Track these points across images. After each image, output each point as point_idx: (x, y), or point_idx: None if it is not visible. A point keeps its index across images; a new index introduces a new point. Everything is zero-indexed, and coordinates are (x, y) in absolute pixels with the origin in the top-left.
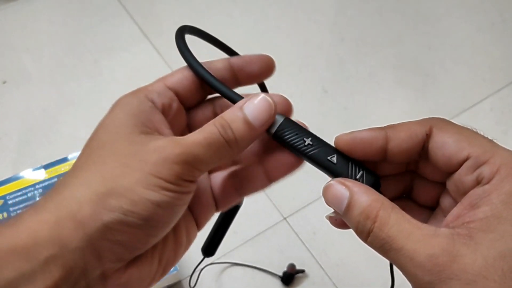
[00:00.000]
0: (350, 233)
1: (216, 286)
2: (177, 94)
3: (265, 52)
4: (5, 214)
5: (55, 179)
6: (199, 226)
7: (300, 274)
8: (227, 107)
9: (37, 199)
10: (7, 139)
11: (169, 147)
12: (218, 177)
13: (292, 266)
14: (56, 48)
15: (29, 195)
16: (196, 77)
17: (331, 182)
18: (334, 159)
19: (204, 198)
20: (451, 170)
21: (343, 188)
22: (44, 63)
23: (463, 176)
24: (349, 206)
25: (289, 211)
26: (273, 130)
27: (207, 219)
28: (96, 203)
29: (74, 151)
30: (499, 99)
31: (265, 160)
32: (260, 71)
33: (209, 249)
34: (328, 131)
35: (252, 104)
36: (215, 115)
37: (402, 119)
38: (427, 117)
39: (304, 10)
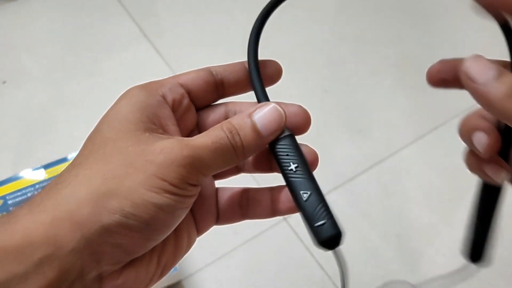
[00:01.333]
0: (350, 233)
1: (216, 286)
2: (189, 92)
3: (265, 51)
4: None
5: None
6: (198, 232)
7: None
8: (240, 111)
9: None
10: (7, 139)
11: (176, 148)
12: (228, 190)
13: None
14: (56, 48)
15: (29, 195)
16: (210, 78)
17: (475, 57)
18: (306, 196)
19: (207, 206)
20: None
21: (488, 62)
22: (44, 62)
23: None
24: (501, 74)
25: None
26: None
27: (207, 227)
28: (96, 204)
29: (74, 151)
30: None
31: (275, 189)
32: (268, 77)
33: (476, 252)
34: (328, 131)
35: (262, 112)
36: (226, 118)
37: (403, 119)
38: (430, 115)
39: (304, 9)
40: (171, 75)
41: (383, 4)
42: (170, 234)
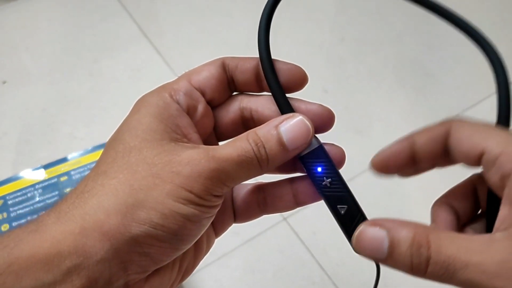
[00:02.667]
0: None
1: (216, 286)
2: (203, 94)
3: None
4: (4, 214)
5: (55, 179)
6: (216, 234)
7: None
8: (256, 110)
9: (37, 199)
10: (7, 139)
11: (204, 161)
12: (242, 189)
13: None
14: (56, 48)
15: (28, 195)
16: (223, 76)
17: (361, 228)
18: (343, 210)
19: (223, 208)
20: (472, 164)
21: (377, 229)
22: (44, 62)
23: (487, 173)
24: (392, 245)
25: (289, 211)
26: (302, 153)
27: (224, 228)
28: (125, 215)
29: (74, 151)
30: None
31: (296, 180)
32: (292, 84)
33: None
34: (329, 131)
35: (289, 124)
36: (242, 118)
37: (403, 119)
38: (430, 115)
39: (304, 9)
40: (183, 74)
41: (383, 4)
42: None
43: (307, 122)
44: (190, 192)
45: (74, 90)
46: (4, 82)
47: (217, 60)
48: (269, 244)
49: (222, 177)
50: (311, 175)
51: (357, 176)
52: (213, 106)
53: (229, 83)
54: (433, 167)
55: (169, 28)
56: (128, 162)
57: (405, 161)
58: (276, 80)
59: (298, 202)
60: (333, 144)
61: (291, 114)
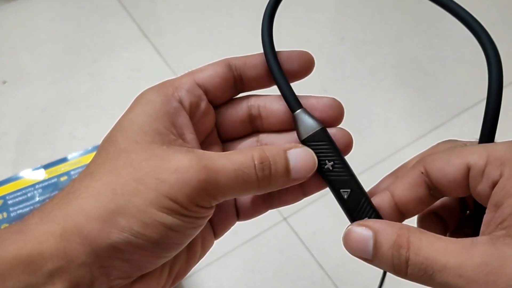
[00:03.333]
0: None
1: (216, 286)
2: (206, 92)
3: None
4: (4, 214)
5: (55, 179)
6: (216, 235)
7: None
8: (264, 107)
9: (37, 199)
10: (7, 138)
11: (192, 170)
12: None
13: None
14: (56, 48)
15: (28, 195)
16: (229, 74)
17: (349, 228)
18: (346, 194)
19: (225, 207)
20: (464, 191)
21: (363, 228)
22: (44, 62)
23: (476, 188)
24: (376, 245)
25: (289, 211)
26: (304, 136)
27: (226, 228)
28: (105, 221)
29: (74, 151)
30: None
31: None
32: (299, 69)
33: None
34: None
35: (298, 153)
36: (250, 116)
37: (403, 119)
38: (430, 115)
39: (304, 9)
40: (187, 72)
41: (383, 4)
42: None
43: (314, 156)
44: (174, 201)
45: (74, 90)
46: (4, 82)
47: (222, 60)
48: (269, 244)
49: (211, 190)
50: None
51: (357, 176)
52: (215, 105)
53: (235, 83)
54: (421, 210)
55: (169, 28)
56: (115, 165)
57: (391, 216)
58: (283, 75)
59: (305, 192)
60: (340, 128)
61: (299, 145)
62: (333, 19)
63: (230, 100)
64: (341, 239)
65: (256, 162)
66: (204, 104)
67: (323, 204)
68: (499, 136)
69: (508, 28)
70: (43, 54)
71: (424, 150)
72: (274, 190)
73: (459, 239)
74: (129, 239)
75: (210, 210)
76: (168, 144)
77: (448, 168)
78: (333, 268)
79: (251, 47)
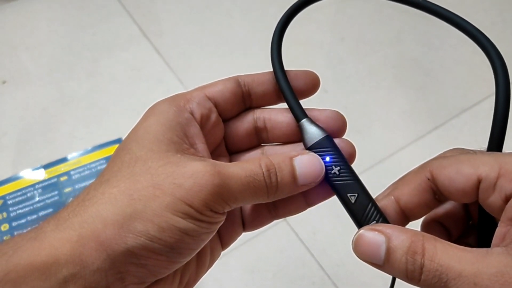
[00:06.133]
0: (350, 233)
1: (216, 286)
2: (216, 105)
3: (264, 51)
4: (4, 214)
5: (55, 179)
6: (223, 246)
7: None
8: (269, 119)
9: (37, 199)
10: (7, 138)
11: (208, 175)
12: None
13: None
14: (56, 47)
15: (28, 195)
16: (238, 89)
17: (360, 232)
18: (353, 198)
19: (232, 218)
20: (473, 199)
21: (376, 233)
22: (44, 62)
23: (487, 200)
24: (389, 250)
25: None
26: (309, 144)
27: (233, 239)
28: (121, 225)
29: (74, 151)
30: None
31: None
32: (305, 87)
33: None
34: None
35: (304, 160)
36: (256, 129)
37: (402, 119)
38: (430, 115)
39: (304, 9)
40: (198, 87)
41: (383, 4)
42: None
43: (321, 161)
44: (190, 206)
45: (74, 90)
46: (4, 82)
47: (232, 77)
48: (269, 244)
49: (225, 195)
50: None
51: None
52: (224, 119)
53: (244, 98)
54: (426, 213)
55: (169, 28)
56: (131, 172)
57: (395, 221)
58: (288, 86)
59: (308, 202)
60: (343, 139)
61: (306, 151)
62: (333, 19)
63: (237, 115)
64: (351, 243)
65: (263, 170)
66: (214, 116)
67: (324, 204)
68: (508, 140)
69: (508, 28)
70: (43, 54)
71: (424, 151)
72: (283, 196)
73: (472, 248)
74: (145, 244)
75: (222, 216)
76: (182, 153)
77: (458, 178)
78: (333, 268)
79: (251, 47)
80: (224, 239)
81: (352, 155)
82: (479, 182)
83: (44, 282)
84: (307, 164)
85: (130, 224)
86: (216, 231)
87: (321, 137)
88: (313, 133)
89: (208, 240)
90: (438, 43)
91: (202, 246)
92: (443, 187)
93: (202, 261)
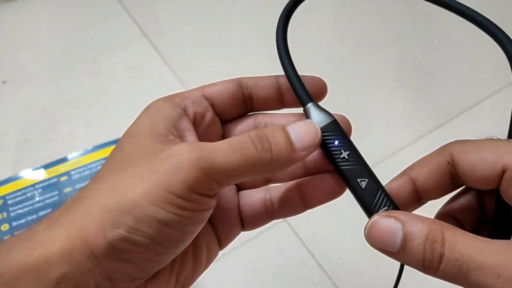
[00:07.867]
0: (350, 233)
1: (216, 286)
2: (213, 105)
3: (264, 51)
4: (4, 214)
5: (55, 179)
6: (221, 245)
7: None
8: (271, 123)
9: (37, 199)
10: (7, 138)
11: (185, 152)
12: (249, 195)
13: None
14: (56, 47)
15: (28, 195)
16: (239, 91)
17: (374, 218)
18: (364, 184)
19: (230, 216)
20: (492, 187)
21: (392, 220)
22: (44, 62)
23: (508, 190)
24: (406, 237)
25: None
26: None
27: (230, 238)
28: (102, 219)
29: (74, 151)
30: (500, 99)
31: (303, 184)
32: (311, 94)
33: None
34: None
35: (296, 125)
36: None
37: (403, 119)
38: (430, 115)
39: (304, 9)
40: (199, 86)
41: (383, 4)
42: (188, 251)
43: (316, 125)
44: (170, 192)
45: (74, 90)
46: (4, 82)
47: (234, 79)
48: (269, 244)
49: (209, 171)
50: (328, 150)
51: None
52: (223, 120)
53: (245, 101)
54: (440, 197)
55: (169, 28)
56: (118, 167)
57: (408, 201)
58: (293, 69)
59: (306, 205)
60: (337, 114)
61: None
62: (333, 19)
63: (238, 118)
64: (364, 229)
65: (252, 137)
66: (210, 115)
67: (324, 204)
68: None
69: (508, 28)
70: (43, 54)
71: (424, 151)
72: (283, 167)
73: (493, 240)
74: (123, 235)
75: (210, 200)
76: (166, 143)
77: (481, 165)
78: (333, 268)
79: (251, 47)
80: (222, 238)
81: (348, 131)
82: (503, 171)
83: (37, 283)
84: (301, 127)
85: (110, 217)
86: (204, 222)
87: (328, 122)
88: (319, 117)
89: (195, 232)
90: (438, 43)
91: (191, 238)
92: (464, 172)
93: (199, 261)
